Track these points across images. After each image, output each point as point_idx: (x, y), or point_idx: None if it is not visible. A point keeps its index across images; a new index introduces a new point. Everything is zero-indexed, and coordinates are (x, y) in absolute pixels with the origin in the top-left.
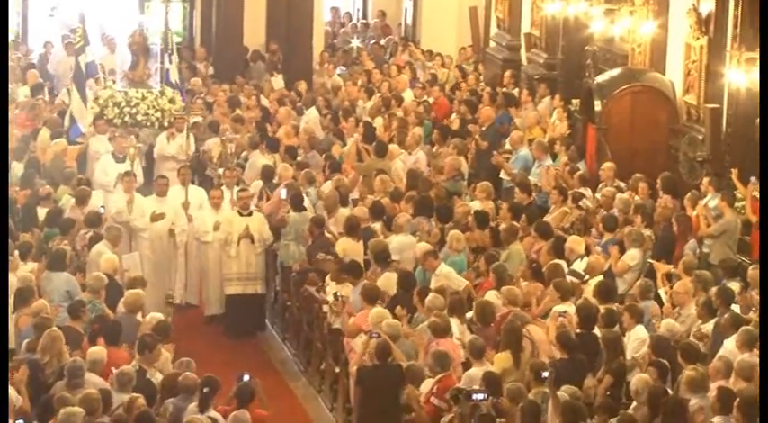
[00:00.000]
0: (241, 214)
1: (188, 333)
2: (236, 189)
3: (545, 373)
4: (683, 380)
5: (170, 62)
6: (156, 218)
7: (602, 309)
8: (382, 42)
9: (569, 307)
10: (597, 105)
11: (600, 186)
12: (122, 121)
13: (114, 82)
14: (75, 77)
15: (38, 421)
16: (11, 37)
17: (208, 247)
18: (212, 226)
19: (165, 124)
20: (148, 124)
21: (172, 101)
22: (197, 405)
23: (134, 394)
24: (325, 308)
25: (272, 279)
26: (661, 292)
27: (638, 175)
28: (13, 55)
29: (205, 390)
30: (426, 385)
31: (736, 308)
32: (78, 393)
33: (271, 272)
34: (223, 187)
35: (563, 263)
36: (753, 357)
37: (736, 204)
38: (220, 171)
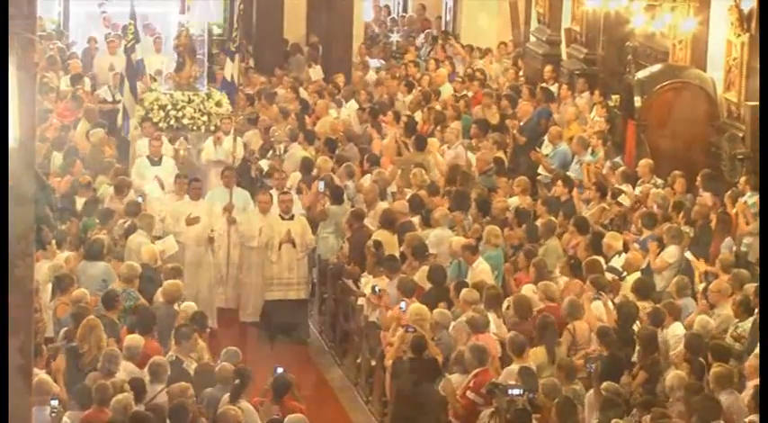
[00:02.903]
0: (282, 218)
1: (224, 328)
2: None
3: (591, 366)
4: (710, 377)
5: (232, 61)
6: (191, 222)
7: (639, 306)
8: (421, 36)
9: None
10: (637, 101)
11: (638, 183)
12: (168, 125)
13: (156, 81)
14: (127, 73)
15: (74, 409)
16: (52, 27)
17: (252, 251)
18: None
19: (212, 128)
20: (194, 128)
21: (218, 104)
22: (228, 396)
23: (183, 384)
24: (361, 301)
25: (309, 271)
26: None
27: (676, 171)
28: (53, 45)
29: (236, 381)
30: (462, 379)
31: None
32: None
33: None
34: (271, 191)
35: (601, 259)
36: None
37: None
38: (261, 163)
